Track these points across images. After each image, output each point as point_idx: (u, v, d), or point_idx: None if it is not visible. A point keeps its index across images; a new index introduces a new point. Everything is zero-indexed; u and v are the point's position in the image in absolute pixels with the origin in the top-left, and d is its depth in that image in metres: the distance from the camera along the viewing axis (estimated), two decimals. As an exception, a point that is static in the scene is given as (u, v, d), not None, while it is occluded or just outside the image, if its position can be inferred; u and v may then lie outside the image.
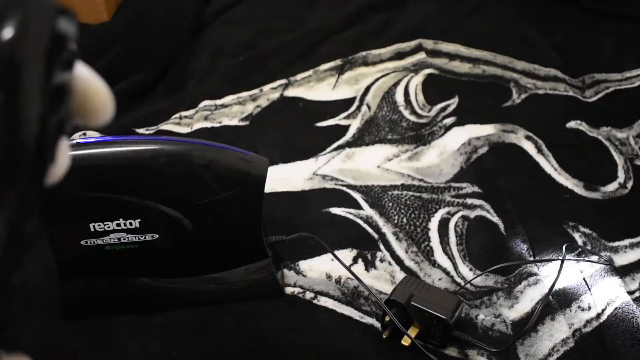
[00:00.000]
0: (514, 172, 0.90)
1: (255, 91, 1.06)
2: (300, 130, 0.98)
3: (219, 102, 1.04)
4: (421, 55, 1.11)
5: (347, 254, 0.78)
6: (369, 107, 1.02)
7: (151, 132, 0.99)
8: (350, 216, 0.84)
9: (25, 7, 0.19)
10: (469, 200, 0.85)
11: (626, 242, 0.80)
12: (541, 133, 0.95)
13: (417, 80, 1.06)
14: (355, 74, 1.09)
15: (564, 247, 0.75)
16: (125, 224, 0.64)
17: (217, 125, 0.99)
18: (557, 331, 0.69)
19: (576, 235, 0.81)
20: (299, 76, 1.09)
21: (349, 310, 0.73)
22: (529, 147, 0.93)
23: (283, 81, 1.08)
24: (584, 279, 0.75)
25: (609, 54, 1.12)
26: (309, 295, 0.74)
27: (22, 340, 0.66)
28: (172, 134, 0.98)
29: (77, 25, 0.21)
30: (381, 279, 0.76)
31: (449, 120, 0.98)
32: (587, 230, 0.81)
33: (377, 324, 0.71)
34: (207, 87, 1.07)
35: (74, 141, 0.61)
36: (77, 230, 0.65)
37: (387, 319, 0.67)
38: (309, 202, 0.86)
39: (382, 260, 0.78)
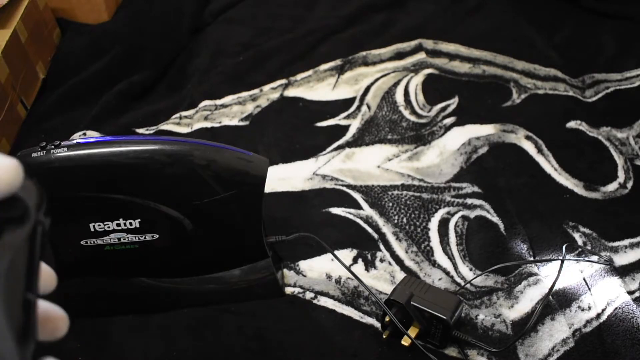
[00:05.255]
0: (514, 172, 0.90)
1: (255, 91, 1.06)
2: (300, 130, 0.98)
3: (219, 102, 1.04)
4: (421, 55, 1.11)
5: (347, 254, 0.78)
6: (369, 107, 1.01)
7: (151, 132, 0.99)
8: (350, 216, 0.84)
9: None
10: (469, 200, 0.85)
11: (626, 242, 0.80)
12: (541, 133, 0.95)
13: (417, 80, 1.06)
14: (355, 74, 1.08)
15: (564, 247, 0.75)
16: (125, 224, 0.64)
17: (217, 125, 0.99)
18: (557, 331, 0.69)
19: (576, 235, 0.81)
20: (299, 76, 1.09)
21: (349, 310, 0.73)
22: (529, 147, 0.93)
23: (283, 81, 1.08)
24: (584, 279, 0.75)
25: (609, 54, 1.12)
26: (309, 295, 0.74)
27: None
28: (172, 134, 0.98)
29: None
30: (381, 279, 0.76)
31: (449, 120, 0.98)
32: (587, 230, 0.81)
33: (377, 324, 0.71)
34: (207, 87, 1.07)
35: (74, 141, 0.61)
36: (77, 230, 0.65)
37: (387, 319, 0.67)
38: (309, 202, 0.86)
39: (382, 260, 0.78)
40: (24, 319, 0.23)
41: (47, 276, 0.27)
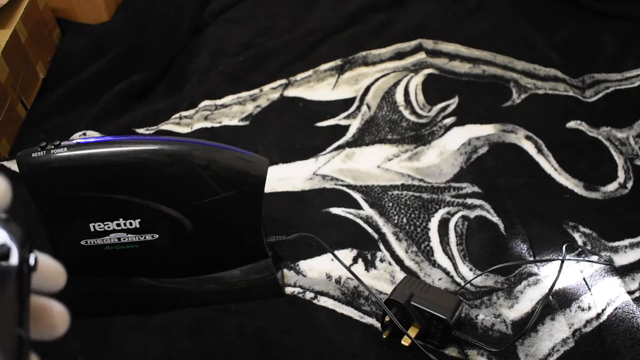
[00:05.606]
0: (514, 172, 0.90)
1: (255, 91, 1.06)
2: (300, 130, 0.98)
3: (219, 102, 1.04)
4: (421, 55, 1.11)
5: (347, 254, 0.78)
6: (369, 107, 1.01)
7: (151, 132, 0.99)
8: (350, 216, 0.84)
9: None
10: (469, 200, 0.85)
11: (626, 242, 0.80)
12: (541, 133, 0.95)
13: (417, 80, 1.06)
14: (355, 74, 1.08)
15: (564, 247, 0.75)
16: (125, 224, 0.64)
17: (217, 125, 0.99)
18: (557, 331, 0.69)
19: (576, 235, 0.81)
20: (299, 76, 1.09)
21: (349, 310, 0.73)
22: (529, 147, 0.93)
23: (283, 81, 1.08)
24: (584, 279, 0.75)
25: (609, 54, 1.12)
26: (309, 295, 0.74)
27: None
28: (172, 134, 0.98)
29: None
30: (381, 279, 0.76)
31: (449, 120, 0.98)
32: (587, 230, 0.81)
33: (377, 324, 0.71)
34: (207, 87, 1.07)
35: (74, 141, 0.61)
36: (77, 230, 0.65)
37: (387, 319, 0.67)
38: (309, 202, 0.86)
39: (382, 260, 0.78)
40: (16, 355, 0.23)
41: (56, 273, 0.27)
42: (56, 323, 0.27)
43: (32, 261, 0.25)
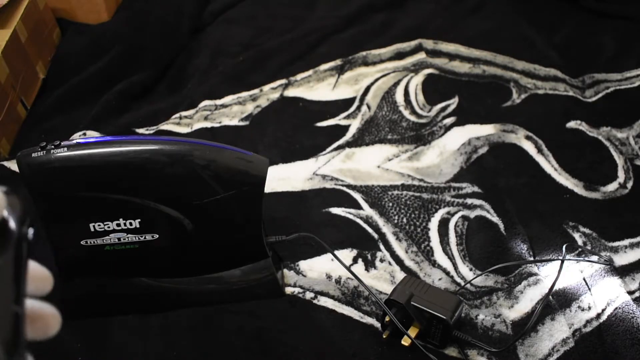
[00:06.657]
0: (514, 172, 0.90)
1: (255, 91, 1.06)
2: (300, 130, 0.98)
3: (219, 102, 1.04)
4: (421, 55, 1.11)
5: (347, 254, 0.78)
6: (369, 107, 1.01)
7: (151, 132, 0.99)
8: (350, 216, 0.84)
9: None
10: (469, 200, 0.85)
11: (626, 242, 0.80)
12: (541, 133, 0.95)
13: (417, 80, 1.06)
14: (355, 74, 1.08)
15: (564, 247, 0.75)
16: (125, 224, 0.64)
17: (217, 125, 0.99)
18: (557, 331, 0.69)
19: (576, 235, 0.81)
20: (299, 76, 1.09)
21: (349, 310, 0.73)
22: (529, 147, 0.93)
23: (283, 81, 1.08)
24: (584, 279, 0.75)
25: (609, 54, 1.12)
26: (309, 295, 0.74)
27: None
28: (172, 134, 0.98)
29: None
30: (381, 279, 0.76)
31: (449, 120, 0.98)
32: (587, 230, 0.81)
33: (377, 324, 0.71)
34: (207, 87, 1.07)
35: (74, 141, 0.61)
36: (77, 230, 0.65)
37: (387, 319, 0.67)
38: (309, 202, 0.86)
39: (382, 260, 0.78)
40: (12, 332, 0.23)
41: (43, 278, 0.27)
42: (49, 324, 0.27)
43: (30, 236, 0.25)
